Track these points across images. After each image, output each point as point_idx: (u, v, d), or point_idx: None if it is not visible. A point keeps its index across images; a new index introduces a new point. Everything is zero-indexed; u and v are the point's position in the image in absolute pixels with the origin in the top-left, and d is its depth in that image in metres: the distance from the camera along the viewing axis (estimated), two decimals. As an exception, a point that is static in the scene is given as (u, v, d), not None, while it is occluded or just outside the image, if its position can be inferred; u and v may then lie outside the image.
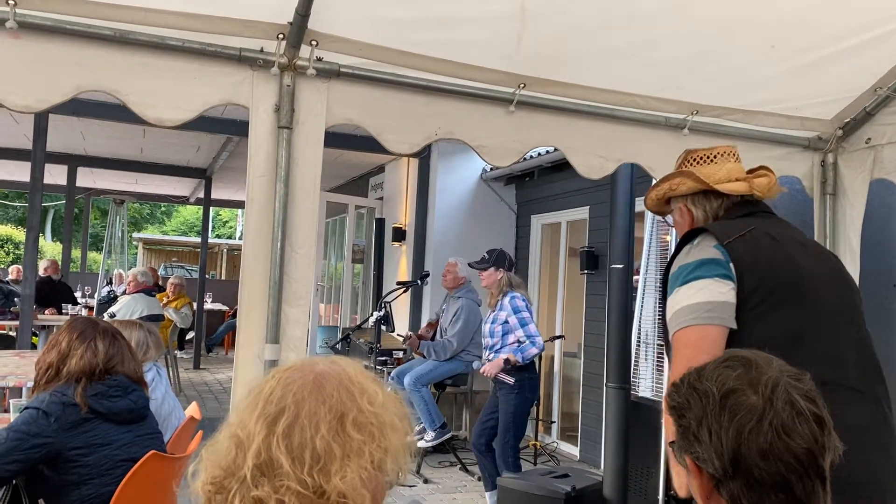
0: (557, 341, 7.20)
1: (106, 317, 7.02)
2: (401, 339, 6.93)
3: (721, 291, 1.75)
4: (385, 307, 6.11)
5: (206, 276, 12.52)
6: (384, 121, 2.53)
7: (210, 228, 14.77)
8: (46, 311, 8.23)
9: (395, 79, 2.49)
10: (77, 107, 6.74)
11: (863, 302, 1.93)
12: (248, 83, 2.33)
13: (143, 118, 2.21)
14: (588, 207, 6.92)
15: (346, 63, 2.41)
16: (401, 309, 7.85)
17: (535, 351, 4.77)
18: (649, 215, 4.98)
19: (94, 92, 2.17)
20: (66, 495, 2.42)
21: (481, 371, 5.03)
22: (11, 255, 23.30)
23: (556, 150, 3.63)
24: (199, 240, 14.07)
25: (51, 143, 7.12)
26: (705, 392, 1.07)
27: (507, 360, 4.73)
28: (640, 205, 4.42)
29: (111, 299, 9.90)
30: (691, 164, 2.13)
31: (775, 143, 3.13)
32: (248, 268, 2.35)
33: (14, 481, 2.46)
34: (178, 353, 10.77)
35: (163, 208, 32.74)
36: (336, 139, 7.37)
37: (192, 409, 3.42)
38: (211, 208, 12.30)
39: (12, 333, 7.62)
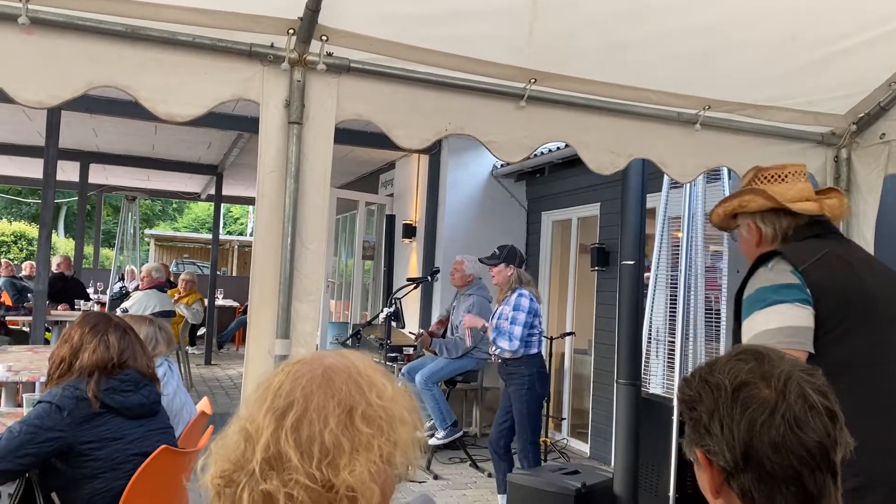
0: (568, 338, 7.19)
1: (119, 312, 7.06)
2: (412, 336, 6.94)
3: (800, 316, 1.81)
4: (395, 304, 6.11)
5: (218, 273, 12.58)
6: (394, 116, 2.52)
7: (221, 225, 14.83)
8: (59, 307, 8.29)
9: (406, 74, 2.49)
10: (89, 104, 6.78)
11: None
12: (259, 79, 2.33)
13: (155, 114, 2.21)
14: (599, 204, 6.89)
15: (356, 58, 2.41)
16: (411, 305, 7.86)
17: (504, 344, 4.79)
18: (660, 212, 4.96)
19: (105, 88, 2.18)
20: (78, 489, 2.44)
21: (462, 322, 5.26)
22: (25, 251, 23.48)
23: (566, 146, 3.62)
24: (210, 236, 14.13)
25: (63, 139, 7.17)
26: (717, 385, 1.07)
27: (484, 327, 4.99)
28: (651, 201, 4.41)
29: (123, 295, 9.96)
30: (762, 182, 2.16)
31: (788, 139, 3.10)
32: (259, 263, 2.36)
33: (27, 475, 2.48)
34: (190, 349, 10.83)
35: (174, 205, 32.91)
36: (346, 135, 7.38)
37: (203, 405, 3.43)
38: (222, 205, 12.36)
39: (26, 329, 7.69)
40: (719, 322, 4.49)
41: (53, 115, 6.75)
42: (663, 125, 2.90)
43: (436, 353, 6.15)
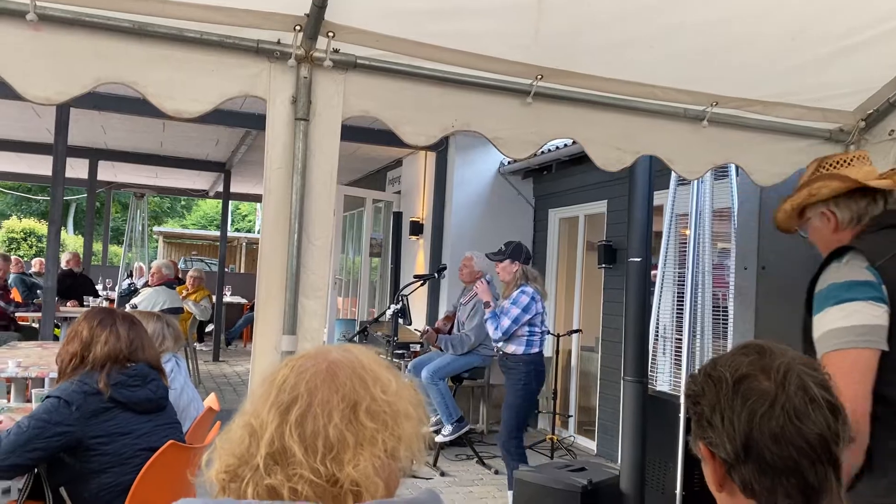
0: (574, 335, 7.18)
1: (128, 308, 7.09)
2: (418, 333, 6.94)
3: (875, 315, 1.77)
4: (402, 300, 6.12)
5: (226, 270, 12.61)
6: (401, 112, 2.52)
7: (229, 222, 14.86)
8: (68, 304, 8.34)
9: (412, 70, 2.49)
10: (98, 101, 6.81)
11: None
12: (266, 75, 2.34)
13: (162, 110, 2.22)
14: (606, 201, 6.88)
15: (362, 55, 2.41)
16: (418, 302, 7.87)
17: (490, 329, 4.99)
18: (668, 209, 4.94)
19: (113, 84, 2.18)
20: (86, 483, 2.45)
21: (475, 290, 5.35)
22: (34, 248, 23.61)
23: (573, 143, 3.62)
24: (218, 233, 14.17)
25: (72, 137, 7.20)
26: (719, 378, 1.08)
27: (488, 303, 5.11)
28: (658, 198, 4.39)
29: (132, 292, 10.01)
30: (828, 170, 2.12)
31: (796, 135, 3.09)
32: (266, 259, 2.36)
33: (36, 469, 2.50)
34: (198, 346, 10.88)
35: (183, 202, 33.03)
36: (353, 133, 7.39)
37: (211, 400, 3.45)
38: (230, 202, 12.38)
39: (35, 325, 7.73)
40: (727, 319, 4.47)
41: (62, 113, 6.78)
42: (670, 121, 2.89)
43: (442, 350, 6.16)
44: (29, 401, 4.12)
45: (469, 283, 6.04)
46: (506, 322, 4.88)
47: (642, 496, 3.96)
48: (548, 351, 6.30)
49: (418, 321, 7.69)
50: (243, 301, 14.08)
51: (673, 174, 4.34)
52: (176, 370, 3.36)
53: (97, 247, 14.25)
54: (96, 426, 2.44)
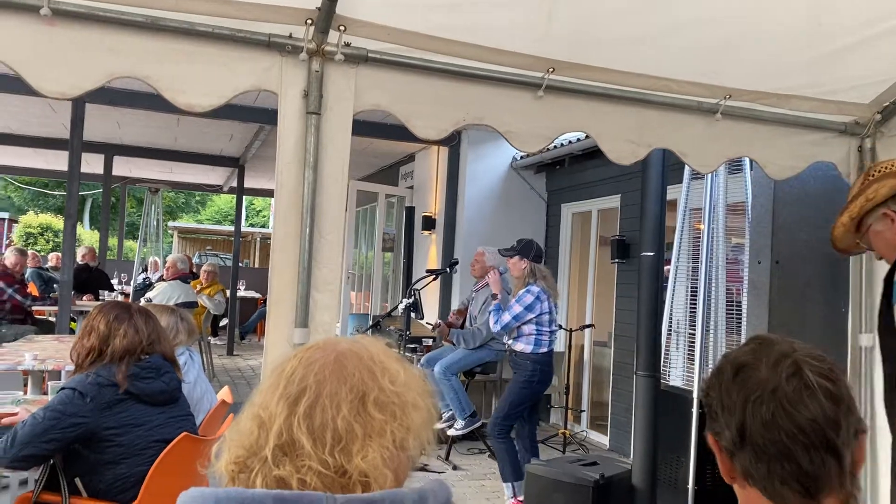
0: (587, 330, 7.17)
1: (142, 302, 7.15)
2: (430, 327, 6.95)
3: None
4: (414, 295, 6.12)
5: (240, 265, 12.67)
6: (412, 106, 2.52)
7: (243, 217, 14.93)
8: (84, 297, 8.41)
9: (423, 64, 2.49)
10: (112, 96, 6.84)
11: None
12: (277, 69, 2.34)
13: (175, 104, 2.23)
14: (619, 196, 6.85)
15: (373, 48, 2.41)
16: (430, 297, 7.87)
17: (491, 321, 5.08)
18: (681, 202, 4.91)
19: (126, 78, 2.20)
20: (101, 474, 2.48)
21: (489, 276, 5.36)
22: (51, 242, 23.81)
23: (587, 137, 3.59)
24: (232, 228, 14.23)
25: (87, 132, 7.25)
26: (721, 369, 1.11)
27: (494, 295, 5.18)
28: (671, 192, 4.37)
29: (147, 286, 10.08)
30: (876, 176, 2.13)
31: (811, 128, 3.06)
32: (278, 253, 2.38)
33: (52, 461, 2.53)
34: (212, 340, 10.94)
35: (197, 197, 33.20)
36: (366, 128, 7.39)
37: (224, 393, 3.47)
38: (244, 197, 12.42)
39: (52, 319, 7.80)
40: (740, 314, 4.44)
41: (78, 108, 6.82)
42: (684, 114, 2.87)
43: (454, 344, 6.16)
44: (45, 393, 4.16)
45: (480, 277, 6.04)
46: (506, 317, 4.94)
47: (654, 491, 3.95)
48: (560, 346, 6.29)
49: (430, 316, 7.70)
50: (257, 295, 14.14)
51: (686, 168, 4.31)
52: (189, 363, 3.39)
53: (112, 241, 14.34)
54: (110, 417, 2.46)
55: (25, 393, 4.25)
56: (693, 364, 4.41)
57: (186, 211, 33.71)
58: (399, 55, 2.45)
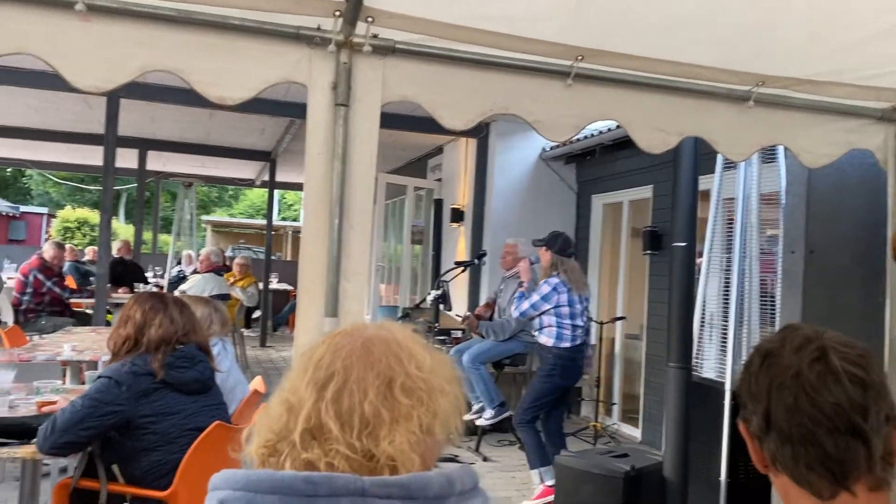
0: (618, 323, 7.11)
1: (177, 293, 7.26)
2: (459, 319, 6.95)
3: None
4: (443, 287, 6.13)
5: (272, 258, 12.80)
6: (439, 97, 2.52)
7: (275, 211, 15.07)
8: (119, 290, 8.57)
9: (450, 54, 2.48)
10: (146, 91, 6.94)
11: None
12: (306, 61, 2.36)
13: (206, 97, 2.26)
14: (652, 186, 6.77)
15: (400, 39, 2.41)
16: (458, 289, 7.87)
17: (510, 308, 5.27)
18: (714, 193, 4.84)
19: (157, 72, 2.23)
20: (137, 461, 2.53)
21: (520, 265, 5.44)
22: (88, 236, 24.28)
23: (617, 127, 3.57)
24: (265, 222, 14.38)
25: (122, 127, 7.37)
26: (751, 358, 1.12)
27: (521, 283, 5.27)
28: (704, 182, 4.31)
29: (181, 279, 10.25)
30: None
31: (846, 115, 2.99)
32: (307, 244, 2.40)
33: (90, 448, 2.59)
34: (245, 332, 11.08)
35: (230, 192, 33.60)
36: (394, 120, 7.40)
37: (257, 383, 3.52)
38: (276, 191, 12.54)
39: (89, 311, 7.96)
40: (774, 306, 4.38)
41: (112, 104, 6.94)
42: (715, 102, 2.83)
43: (483, 336, 6.16)
44: (83, 383, 4.26)
45: (510, 268, 6.03)
46: (524, 305, 5.04)
47: (686, 483, 3.92)
48: (591, 339, 6.25)
49: (459, 307, 7.71)
50: (289, 288, 14.28)
51: (719, 158, 4.25)
52: (223, 353, 3.44)
53: (147, 235, 14.59)
54: (146, 406, 2.51)
55: (64, 382, 4.35)
56: (726, 356, 4.36)
57: (220, 205, 34.14)
58: (426, 45, 2.45)
